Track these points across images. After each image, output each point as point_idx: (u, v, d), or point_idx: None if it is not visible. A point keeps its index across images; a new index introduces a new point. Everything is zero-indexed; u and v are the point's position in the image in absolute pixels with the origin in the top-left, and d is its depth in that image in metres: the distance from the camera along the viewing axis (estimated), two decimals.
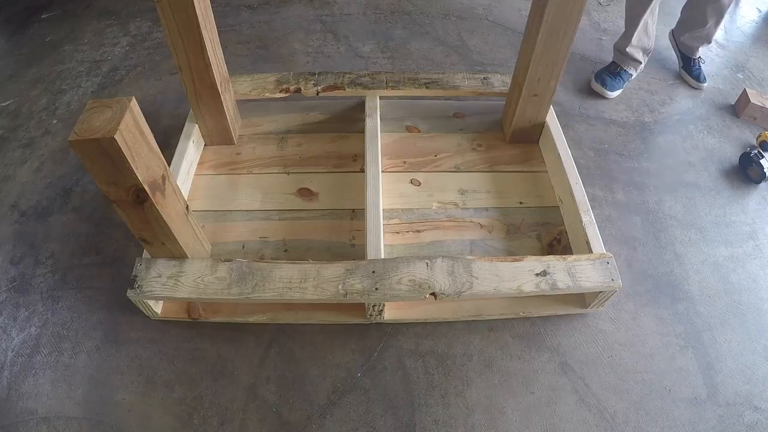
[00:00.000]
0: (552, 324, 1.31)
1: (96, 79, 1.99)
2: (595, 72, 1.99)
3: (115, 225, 1.48)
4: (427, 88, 1.65)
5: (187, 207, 1.17)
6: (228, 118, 1.52)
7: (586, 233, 1.29)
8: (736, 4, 2.52)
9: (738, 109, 1.92)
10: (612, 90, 1.93)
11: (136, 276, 1.18)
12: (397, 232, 1.41)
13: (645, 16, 1.80)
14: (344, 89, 1.65)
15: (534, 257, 1.22)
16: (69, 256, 1.43)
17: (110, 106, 0.87)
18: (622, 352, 1.27)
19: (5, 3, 2.39)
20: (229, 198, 1.48)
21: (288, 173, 1.55)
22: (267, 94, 1.64)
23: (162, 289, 1.16)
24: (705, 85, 2.00)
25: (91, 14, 2.34)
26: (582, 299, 1.33)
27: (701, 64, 2.02)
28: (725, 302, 1.38)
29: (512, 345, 1.27)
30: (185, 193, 1.45)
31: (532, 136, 1.62)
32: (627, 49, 1.88)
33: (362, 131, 1.57)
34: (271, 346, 1.26)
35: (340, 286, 1.16)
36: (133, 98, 0.89)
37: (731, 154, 1.76)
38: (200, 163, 1.57)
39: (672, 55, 2.12)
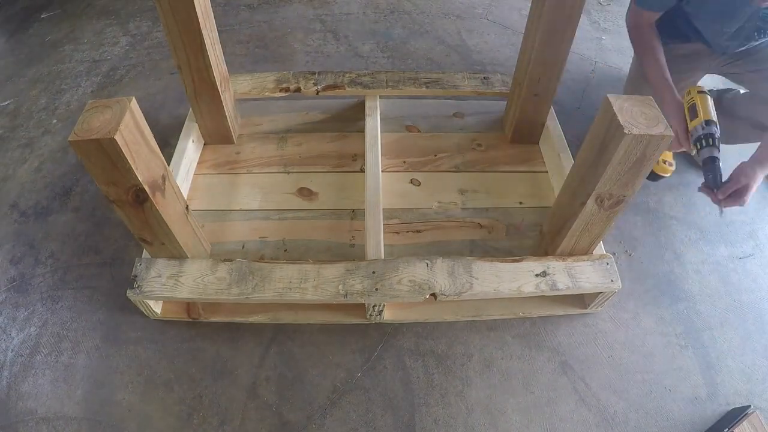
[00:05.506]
0: (552, 324, 1.31)
1: (96, 78, 1.99)
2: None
3: (115, 225, 1.48)
4: (427, 87, 1.65)
5: (186, 207, 1.16)
6: (228, 117, 1.52)
7: None
8: None
9: None
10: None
11: (136, 276, 1.18)
12: (397, 232, 1.41)
13: None
14: (344, 89, 1.65)
15: (534, 258, 1.22)
16: (68, 255, 1.43)
17: (110, 106, 0.87)
18: (622, 352, 1.27)
19: (5, 2, 2.38)
20: (229, 198, 1.48)
21: (288, 173, 1.55)
22: (267, 94, 1.63)
23: (162, 289, 1.16)
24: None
25: (90, 14, 2.34)
26: (582, 300, 1.33)
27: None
28: (725, 302, 1.38)
29: (512, 345, 1.27)
30: (185, 193, 1.45)
31: (532, 136, 1.61)
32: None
33: (362, 131, 1.57)
34: (271, 346, 1.26)
35: (340, 287, 1.16)
36: (133, 98, 0.89)
37: (732, 154, 1.76)
38: (200, 163, 1.57)
39: None
